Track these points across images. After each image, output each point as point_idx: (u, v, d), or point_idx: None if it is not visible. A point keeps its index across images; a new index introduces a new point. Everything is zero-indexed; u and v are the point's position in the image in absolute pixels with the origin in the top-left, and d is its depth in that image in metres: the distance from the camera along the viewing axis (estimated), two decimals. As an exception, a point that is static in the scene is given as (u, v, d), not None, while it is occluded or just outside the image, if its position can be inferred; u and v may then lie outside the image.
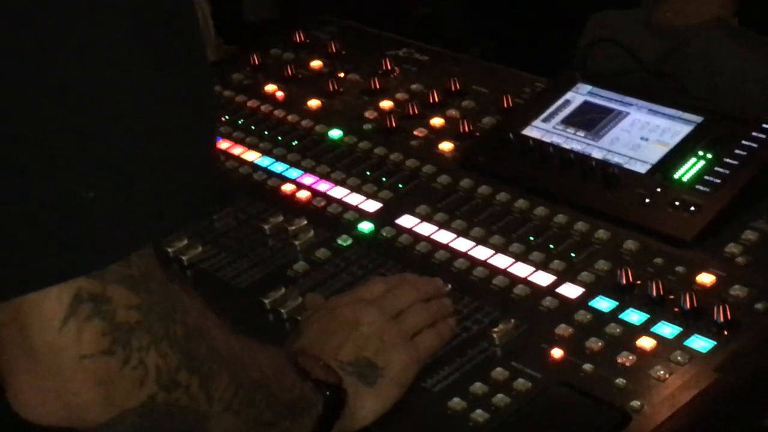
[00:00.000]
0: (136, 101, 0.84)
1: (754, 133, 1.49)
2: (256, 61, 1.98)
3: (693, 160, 1.49)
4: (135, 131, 0.84)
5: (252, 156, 1.76)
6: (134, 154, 0.84)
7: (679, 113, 1.57)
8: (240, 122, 1.85)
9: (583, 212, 1.47)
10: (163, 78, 0.85)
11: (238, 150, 1.78)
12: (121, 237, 0.85)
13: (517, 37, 3.66)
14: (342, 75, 1.91)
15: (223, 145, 1.79)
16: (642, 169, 1.51)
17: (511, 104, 1.72)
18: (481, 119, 1.71)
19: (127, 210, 0.84)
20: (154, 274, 0.89)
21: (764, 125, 1.50)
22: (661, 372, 1.20)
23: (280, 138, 1.79)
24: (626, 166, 1.53)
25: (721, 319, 1.25)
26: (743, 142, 1.48)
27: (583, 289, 1.35)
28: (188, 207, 0.89)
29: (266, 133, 1.81)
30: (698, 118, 1.56)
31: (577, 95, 1.67)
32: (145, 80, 0.84)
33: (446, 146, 1.68)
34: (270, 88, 1.92)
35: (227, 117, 1.86)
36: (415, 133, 1.72)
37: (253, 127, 1.83)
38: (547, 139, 1.61)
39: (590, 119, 1.62)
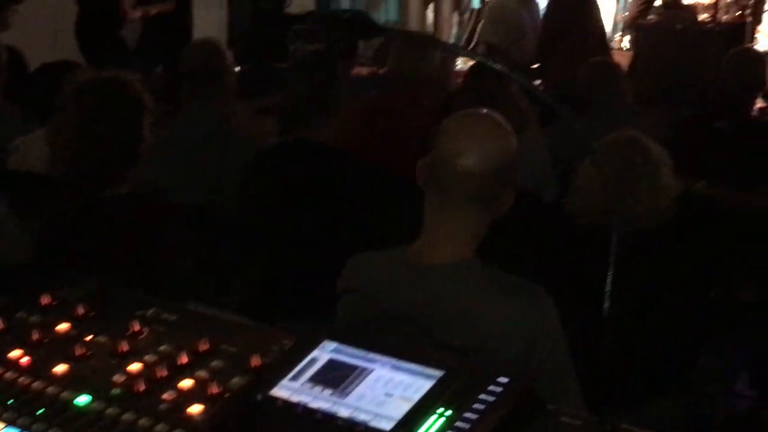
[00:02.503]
0: None
1: (490, 387, 1.56)
2: (0, 326, 1.94)
3: (435, 415, 1.54)
4: None
5: (-5, 428, 1.70)
6: None
7: (421, 368, 1.63)
8: (-18, 392, 1.79)
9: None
10: None
11: (-20, 422, 1.72)
12: None
13: (278, 280, 3.72)
14: (90, 338, 1.89)
15: (-36, 417, 1.73)
16: (387, 426, 1.55)
17: (260, 363, 1.75)
18: (230, 380, 1.72)
19: None
20: None
21: (500, 379, 1.57)
22: None
23: (25, 406, 1.74)
24: (372, 423, 1.56)
25: None
26: (481, 396, 1.55)
27: None
28: None
29: (10, 402, 1.76)
30: (439, 373, 1.62)
31: (323, 353, 1.71)
32: None
33: (195, 409, 1.67)
34: (15, 354, 1.88)
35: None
36: (165, 396, 1.71)
37: (-4, 397, 1.77)
38: (295, 398, 1.64)
39: (336, 377, 1.66)
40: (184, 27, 8.68)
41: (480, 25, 8.07)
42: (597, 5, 7.37)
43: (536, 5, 7.76)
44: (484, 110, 2.67)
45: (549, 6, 7.52)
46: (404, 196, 2.96)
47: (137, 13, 8.15)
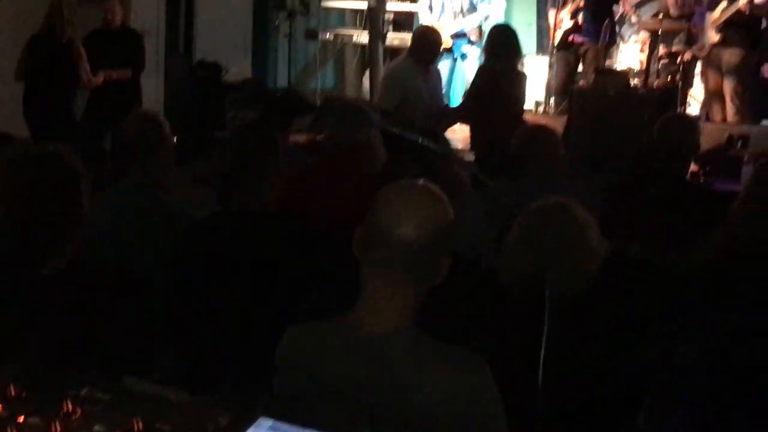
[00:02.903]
0: None
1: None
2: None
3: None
4: None
5: None
6: None
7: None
8: None
9: None
10: None
11: None
12: None
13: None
14: (22, 419, 1.86)
15: None
16: (324, 504, 1.54)
17: (195, 442, 1.73)
18: (164, 460, 1.71)
19: None
20: None
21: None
22: None
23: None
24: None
25: None
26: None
27: None
28: None
29: (-61, 487, 1.73)
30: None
31: (260, 430, 1.70)
32: None
33: (130, 490, 1.65)
34: (-56, 437, 1.84)
35: None
36: (98, 477, 1.69)
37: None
38: (231, 477, 1.62)
39: (273, 455, 1.65)
40: (137, 94, 8.73)
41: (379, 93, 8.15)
42: (523, 74, 7.48)
43: (435, 73, 7.86)
44: (420, 180, 2.68)
45: (478, 73, 7.62)
46: (344, 263, 2.96)
47: (99, 79, 8.16)
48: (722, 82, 8.61)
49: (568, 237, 3.27)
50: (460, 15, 9.54)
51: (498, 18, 10.89)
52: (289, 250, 3.72)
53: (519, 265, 3.35)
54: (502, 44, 7.37)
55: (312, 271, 3.65)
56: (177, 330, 3.75)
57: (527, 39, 11.25)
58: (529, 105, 10.02)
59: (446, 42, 9.33)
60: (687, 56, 8.97)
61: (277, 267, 3.67)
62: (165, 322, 3.74)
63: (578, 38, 8.75)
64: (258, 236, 3.75)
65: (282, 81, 12.13)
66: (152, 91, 10.45)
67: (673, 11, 9.37)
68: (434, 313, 2.73)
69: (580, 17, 8.66)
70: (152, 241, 4.05)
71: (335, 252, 3.37)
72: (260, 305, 3.65)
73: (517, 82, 7.30)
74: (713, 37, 8.55)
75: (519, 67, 7.48)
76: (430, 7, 9.69)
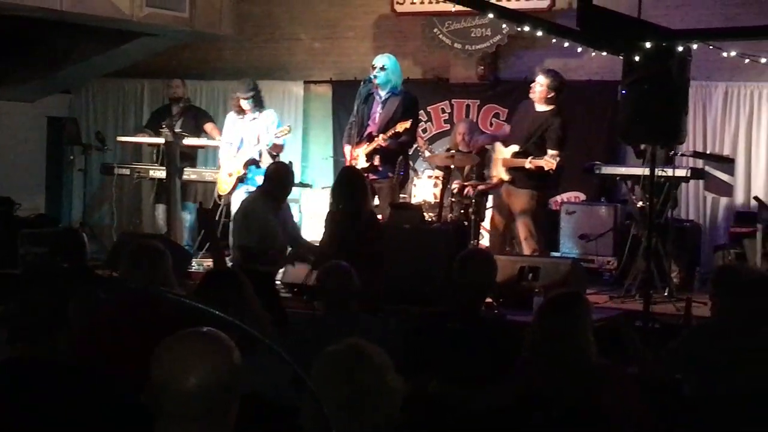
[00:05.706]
0: None
1: None
2: None
3: None
4: None
5: None
6: None
7: None
8: None
9: None
10: None
11: None
12: None
13: None
14: None
15: None
16: None
17: None
18: None
19: None
20: None
21: None
22: None
23: None
24: None
25: None
26: None
27: None
28: None
29: None
30: None
31: None
32: None
33: None
34: None
35: None
36: None
37: None
38: None
39: None
40: None
41: (232, 230, 8.16)
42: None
43: (285, 207, 7.98)
44: (204, 328, 2.62)
45: None
46: (138, 417, 2.86)
47: None
48: (515, 220, 8.81)
49: (363, 380, 3.20)
50: (255, 145, 9.61)
51: (294, 150, 11.07)
52: (77, 406, 3.52)
53: (317, 408, 3.29)
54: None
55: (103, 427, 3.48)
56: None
57: (324, 172, 11.39)
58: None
59: (239, 171, 9.50)
60: (478, 189, 9.19)
61: (65, 423, 3.48)
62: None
63: (373, 176, 8.89)
64: (47, 389, 3.57)
65: (77, 216, 11.92)
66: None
67: (462, 148, 9.63)
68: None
69: (375, 159, 8.84)
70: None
71: (129, 406, 3.26)
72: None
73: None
74: (503, 175, 8.79)
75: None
76: (230, 143, 9.75)
